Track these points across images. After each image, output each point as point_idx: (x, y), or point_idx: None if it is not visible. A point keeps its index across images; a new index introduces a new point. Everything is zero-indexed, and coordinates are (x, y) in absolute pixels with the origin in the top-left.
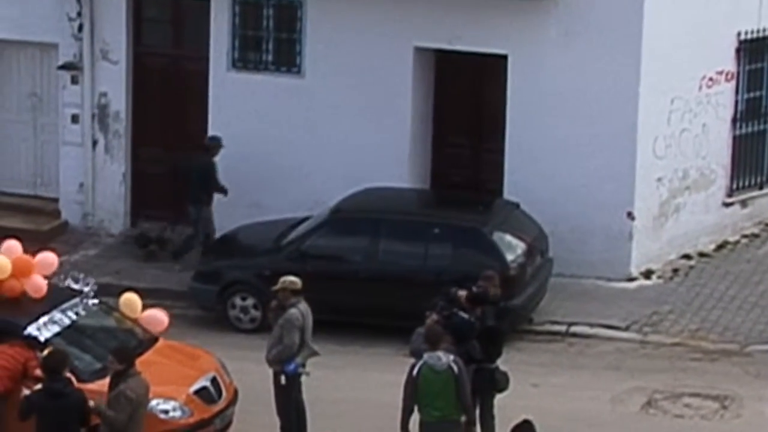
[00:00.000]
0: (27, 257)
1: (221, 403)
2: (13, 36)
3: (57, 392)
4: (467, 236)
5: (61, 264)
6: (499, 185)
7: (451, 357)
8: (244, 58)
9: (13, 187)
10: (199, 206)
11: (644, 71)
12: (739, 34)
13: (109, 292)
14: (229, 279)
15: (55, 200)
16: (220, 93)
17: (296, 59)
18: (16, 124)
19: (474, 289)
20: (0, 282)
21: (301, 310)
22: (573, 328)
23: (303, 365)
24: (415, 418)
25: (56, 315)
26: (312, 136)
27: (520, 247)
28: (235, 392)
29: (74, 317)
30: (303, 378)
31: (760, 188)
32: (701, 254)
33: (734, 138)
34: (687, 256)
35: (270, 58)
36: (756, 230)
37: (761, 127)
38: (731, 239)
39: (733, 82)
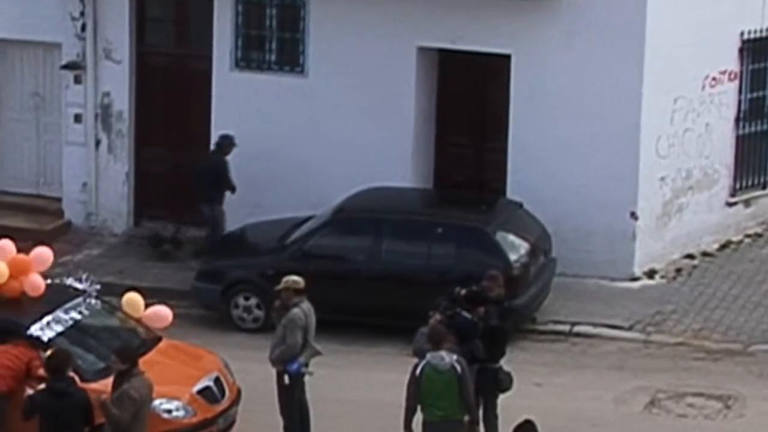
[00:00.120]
0: (22, 257)
1: (224, 403)
2: (16, 35)
3: (60, 392)
4: (470, 236)
5: (63, 263)
6: (502, 185)
7: (454, 357)
8: (247, 58)
9: (16, 187)
10: (212, 204)
11: (647, 71)
12: (742, 33)
13: (112, 291)
14: (232, 278)
15: (58, 200)
16: (223, 92)
17: (299, 59)
18: (19, 123)
19: (474, 288)
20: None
21: (304, 310)
22: (576, 328)
23: (306, 365)
24: (418, 417)
25: (59, 315)
26: (315, 135)
27: (523, 246)
28: (238, 392)
29: (77, 317)
30: (306, 378)
31: (764, 188)
32: (704, 254)
33: (737, 138)
34: (690, 256)
35: (273, 57)
36: (759, 230)
37: (764, 126)
38: (734, 239)
39: (737, 82)
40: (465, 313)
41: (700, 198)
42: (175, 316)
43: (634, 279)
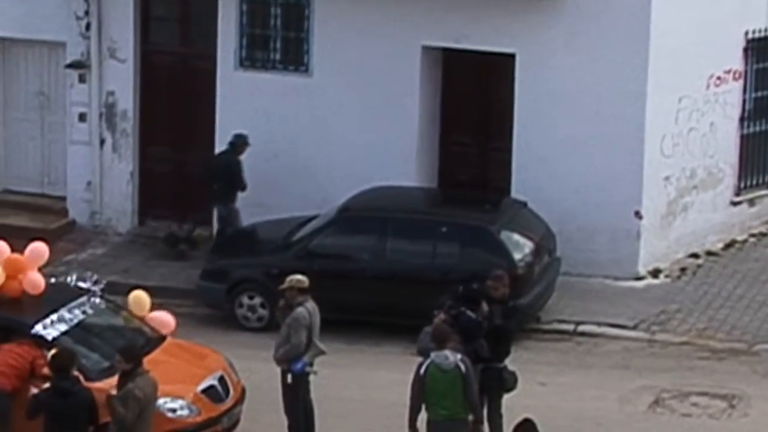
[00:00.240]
0: (16, 256)
1: (229, 402)
2: (21, 34)
3: (65, 391)
4: (475, 235)
5: (67, 262)
6: (507, 184)
7: (459, 356)
8: (251, 57)
9: (20, 186)
10: (226, 204)
11: (652, 70)
12: (746, 33)
13: (116, 290)
14: (236, 277)
15: (63, 199)
16: (228, 92)
17: (304, 58)
18: (24, 122)
19: (474, 286)
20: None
21: (308, 309)
22: (580, 327)
23: (310, 364)
24: (422, 416)
25: (64, 313)
26: (319, 134)
27: (527, 246)
28: (243, 391)
29: (82, 316)
30: (311, 377)
31: None
32: (709, 253)
33: (742, 137)
34: (695, 255)
35: (277, 56)
36: (764, 229)
37: None
38: (739, 238)
39: (741, 81)
40: (469, 313)
41: (705, 197)
42: (179, 315)
43: (639, 278)
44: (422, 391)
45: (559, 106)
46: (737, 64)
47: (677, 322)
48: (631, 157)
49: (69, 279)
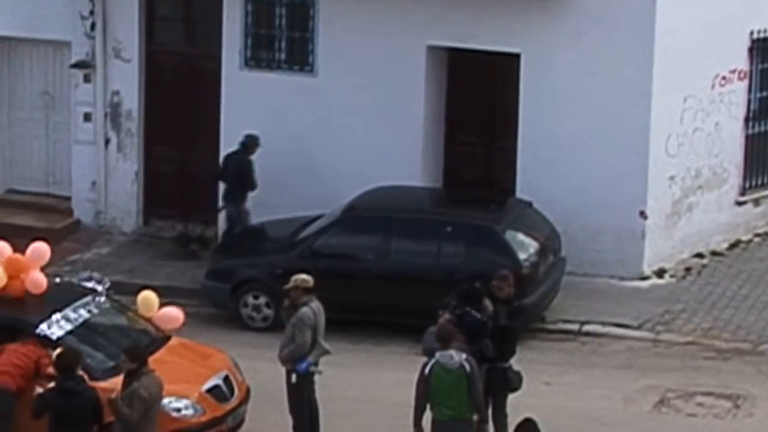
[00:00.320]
0: (17, 256)
1: (233, 402)
2: (26, 34)
3: (70, 390)
4: (480, 235)
5: (72, 262)
6: (512, 184)
7: (464, 356)
8: (256, 57)
9: (25, 185)
10: (237, 204)
11: (657, 70)
12: (752, 32)
13: (121, 290)
14: (241, 277)
15: (68, 198)
16: (233, 92)
17: (309, 58)
18: (29, 122)
19: (476, 285)
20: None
21: (313, 309)
22: (585, 327)
23: (315, 364)
24: (427, 416)
25: (68, 313)
26: (324, 134)
27: (532, 245)
28: (248, 391)
29: (87, 315)
30: (315, 376)
31: None
32: (714, 253)
33: (747, 137)
34: (700, 255)
35: (282, 56)
36: None
37: None
38: (744, 238)
39: (746, 81)
40: (474, 312)
41: (710, 197)
42: (184, 314)
43: (644, 278)
44: (427, 391)
45: (564, 106)
46: (742, 64)
47: (682, 321)
48: (636, 157)
49: (74, 279)
